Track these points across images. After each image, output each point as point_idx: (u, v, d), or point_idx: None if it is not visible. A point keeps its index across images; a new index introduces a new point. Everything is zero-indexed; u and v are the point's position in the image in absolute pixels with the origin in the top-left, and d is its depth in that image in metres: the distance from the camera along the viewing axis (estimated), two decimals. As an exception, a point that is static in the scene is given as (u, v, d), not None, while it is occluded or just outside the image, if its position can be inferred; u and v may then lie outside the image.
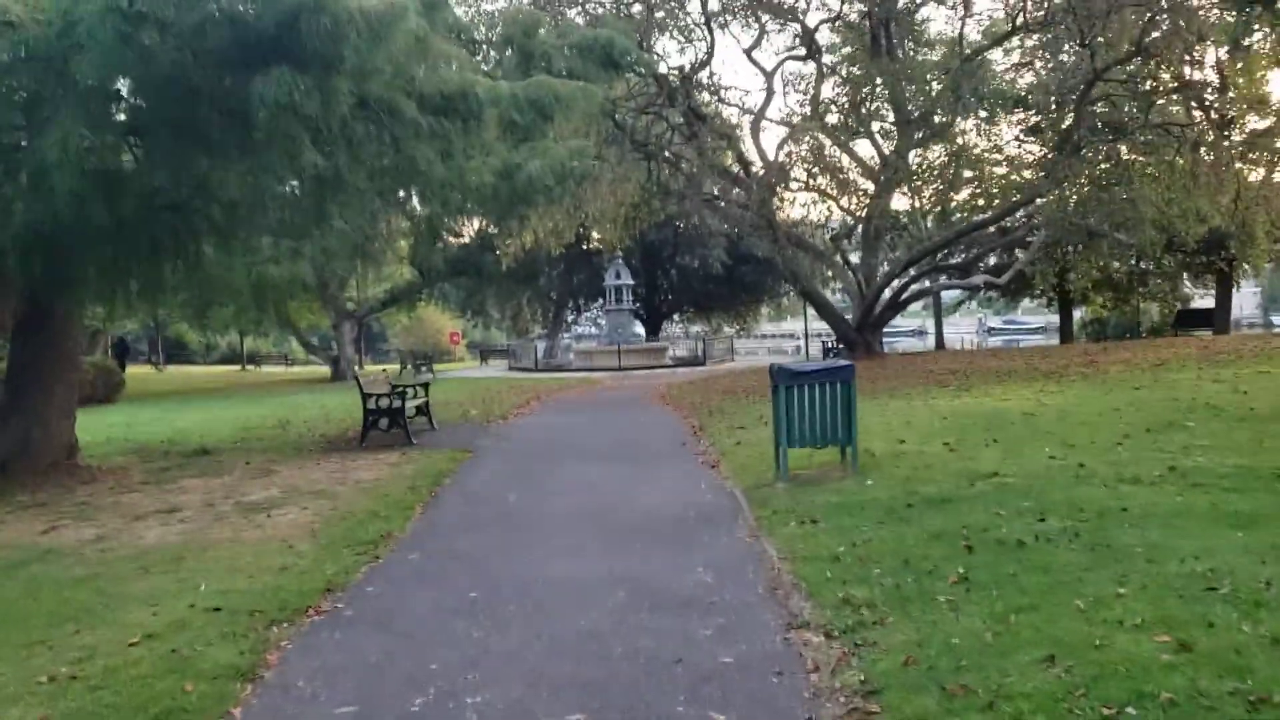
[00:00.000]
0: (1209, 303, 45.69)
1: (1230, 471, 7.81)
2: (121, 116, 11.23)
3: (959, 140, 26.32)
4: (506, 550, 7.62)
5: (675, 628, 5.49)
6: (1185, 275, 37.56)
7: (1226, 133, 25.81)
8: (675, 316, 53.29)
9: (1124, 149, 24.11)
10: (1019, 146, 29.17)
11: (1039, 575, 5.56)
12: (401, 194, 12.91)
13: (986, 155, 27.83)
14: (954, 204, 26.20)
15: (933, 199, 25.35)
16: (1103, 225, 23.08)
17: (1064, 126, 22.63)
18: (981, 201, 26.82)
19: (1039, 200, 24.49)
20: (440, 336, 67.16)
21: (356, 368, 53.49)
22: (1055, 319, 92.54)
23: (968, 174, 26.78)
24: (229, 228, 11.79)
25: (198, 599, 6.60)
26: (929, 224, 25.51)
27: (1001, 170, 28.38)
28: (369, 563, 7.45)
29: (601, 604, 6.06)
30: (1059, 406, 12.63)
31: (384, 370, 16.51)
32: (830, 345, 30.79)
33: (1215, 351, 19.01)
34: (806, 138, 22.75)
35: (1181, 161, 22.36)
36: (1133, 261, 41.03)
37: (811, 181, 23.07)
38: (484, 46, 15.43)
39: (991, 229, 27.30)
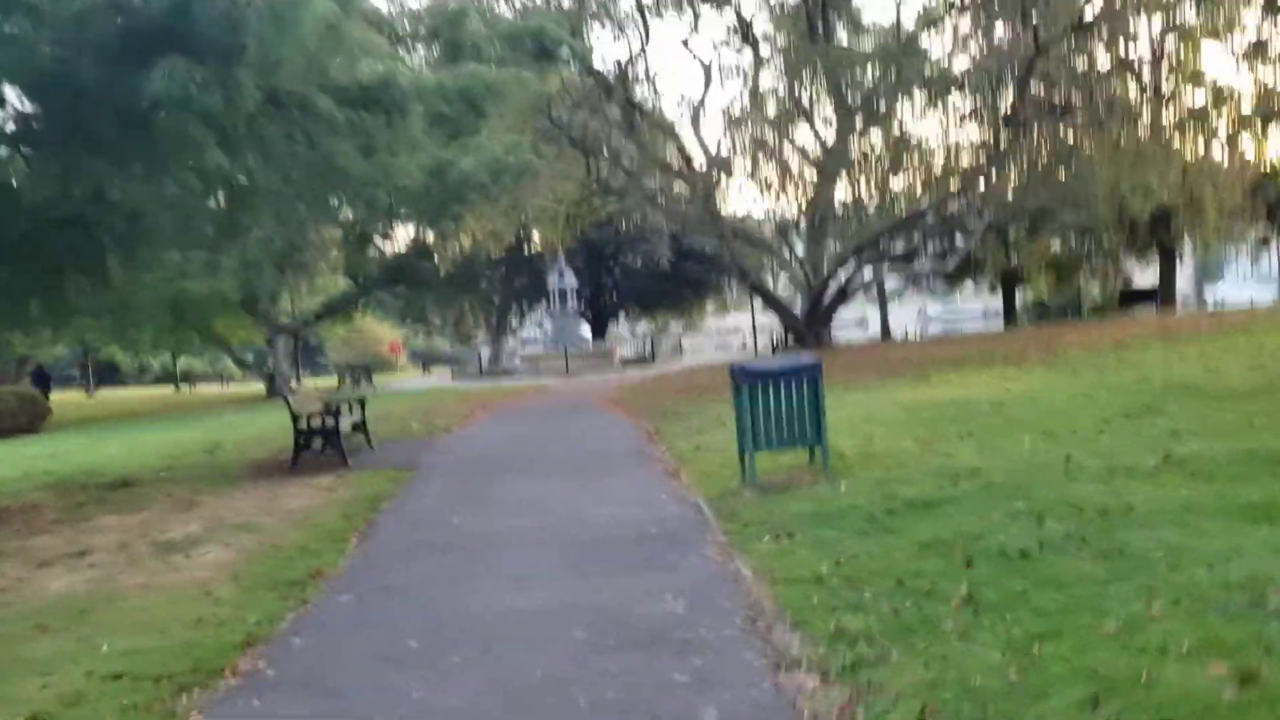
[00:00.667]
0: (1150, 281, 46.24)
1: (1229, 458, 7.29)
2: (10, 125, 10.27)
3: (896, 128, 25.93)
4: (451, 582, 6.84)
5: (646, 671, 4.77)
6: (1128, 254, 37.62)
7: (1165, 109, 25.77)
8: (621, 316, 52.59)
9: (1067, 128, 23.88)
10: (958, 131, 28.99)
11: (1052, 592, 4.93)
12: (326, 198, 11.99)
13: (924, 142, 27.58)
14: (895, 192, 25.79)
15: (875, 186, 24.92)
16: (1052, 204, 22.79)
17: (1008, 107, 22.30)
18: (920, 189, 26.46)
19: (982, 184, 24.18)
20: (380, 347, 65.67)
21: (294, 383, 52.22)
22: (995, 304, 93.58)
23: (908, 161, 26.47)
24: (133, 241, 10.85)
25: (97, 663, 5.74)
26: (871, 213, 25.05)
27: (940, 157, 28.17)
28: (296, 608, 6.62)
29: (560, 643, 5.33)
30: (1026, 393, 12.14)
31: (315, 386, 15.55)
32: (779, 339, 30.29)
33: (1172, 329, 18.79)
34: (747, 127, 22.14)
35: (1123, 137, 22.13)
36: (1073, 243, 41.36)
37: (755, 172, 22.52)
38: (409, 40, 14.58)
39: (931, 217, 26.99)
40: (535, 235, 43.18)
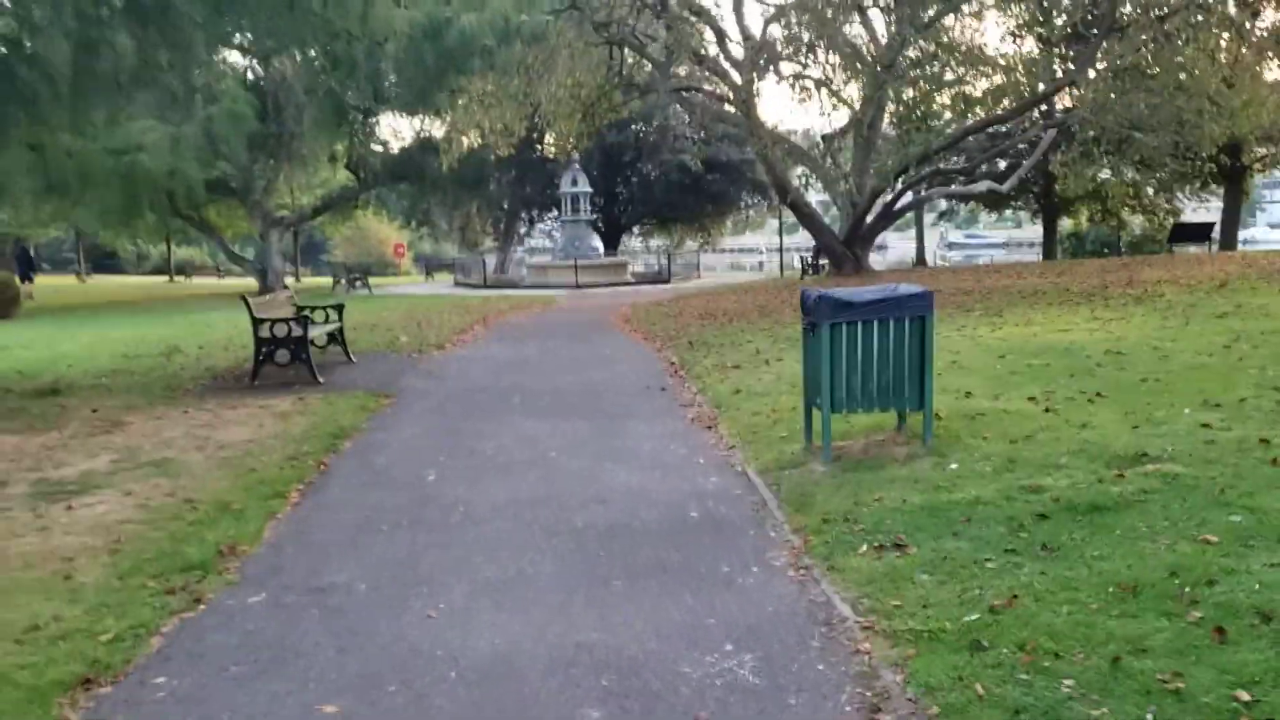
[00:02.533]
0: (1200, 218, 43.43)
1: None
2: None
3: (958, 31, 23.13)
4: (405, 588, 4.76)
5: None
6: (1185, 186, 34.77)
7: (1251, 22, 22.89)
8: (635, 229, 50.00)
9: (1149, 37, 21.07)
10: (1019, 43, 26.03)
11: None
12: (270, 31, 9.56)
13: (978, 53, 24.72)
14: (950, 104, 23.08)
15: (930, 96, 22.21)
16: (1121, 126, 20.22)
17: (1076, 19, 19.49)
18: (981, 102, 23.74)
19: (1062, 99, 21.47)
20: (385, 249, 63.27)
21: (291, 280, 50.02)
22: (1018, 234, 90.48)
23: (961, 72, 23.74)
24: (58, 97, 8.58)
25: None
26: (925, 126, 22.39)
27: (998, 73, 25.35)
28: (180, 613, 4.57)
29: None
30: (1142, 341, 9.90)
31: (287, 286, 13.40)
32: (810, 261, 27.87)
33: (1267, 268, 16.44)
34: (793, 17, 19.29)
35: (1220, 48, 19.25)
36: (1127, 171, 38.51)
37: (806, 66, 19.83)
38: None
39: (989, 133, 24.34)
40: (548, 139, 40.53)
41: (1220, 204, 41.13)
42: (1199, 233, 35.26)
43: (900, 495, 5.44)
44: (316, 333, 12.74)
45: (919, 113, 19.03)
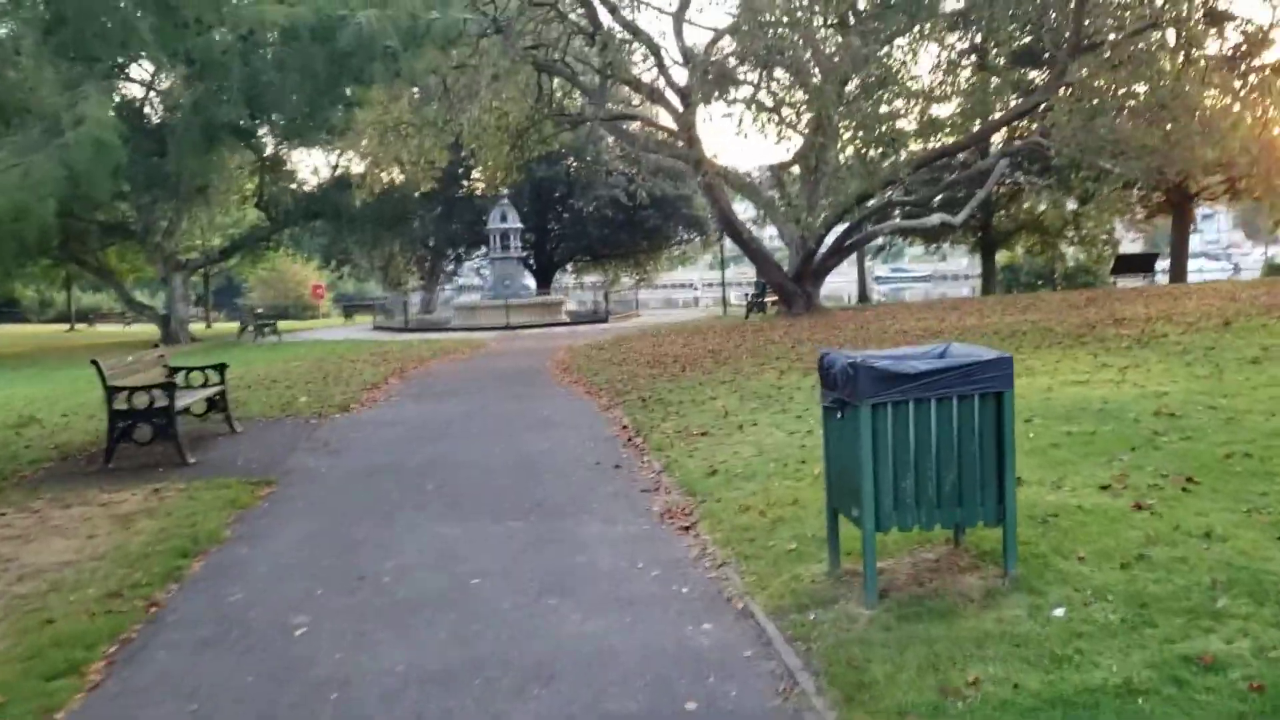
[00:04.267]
0: (1138, 249, 43.02)
1: None
2: None
3: (907, 57, 21.77)
4: None
5: None
6: (1126, 216, 34.05)
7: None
8: (568, 266, 48.19)
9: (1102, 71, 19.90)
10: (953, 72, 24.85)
11: None
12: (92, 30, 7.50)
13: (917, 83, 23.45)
14: (907, 133, 21.68)
15: (884, 127, 20.75)
16: (1084, 152, 19.00)
17: (1062, 35, 18.22)
18: (936, 131, 22.41)
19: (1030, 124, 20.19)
20: (304, 290, 60.47)
21: (201, 325, 47.07)
22: (944, 268, 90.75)
23: (917, 99, 22.38)
24: None
25: None
26: (876, 156, 20.97)
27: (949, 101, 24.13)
28: None
29: None
30: (1190, 399, 8.26)
31: (157, 345, 11.23)
32: (754, 297, 26.22)
33: (1251, 301, 15.18)
34: (750, 27, 17.58)
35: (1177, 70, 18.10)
36: (1066, 201, 37.81)
37: (758, 87, 18.14)
38: None
39: (942, 161, 23.00)
40: (475, 172, 38.60)
41: (1140, 236, 40.85)
42: (1143, 263, 34.60)
43: (1004, 673, 3.59)
44: (191, 400, 10.60)
45: (882, 131, 17.50)
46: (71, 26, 6.33)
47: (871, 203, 18.78)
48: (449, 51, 18.05)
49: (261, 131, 17.79)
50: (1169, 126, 16.59)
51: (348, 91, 9.29)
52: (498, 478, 7.93)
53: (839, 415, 4.50)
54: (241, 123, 10.74)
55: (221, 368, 11.66)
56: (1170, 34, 16.77)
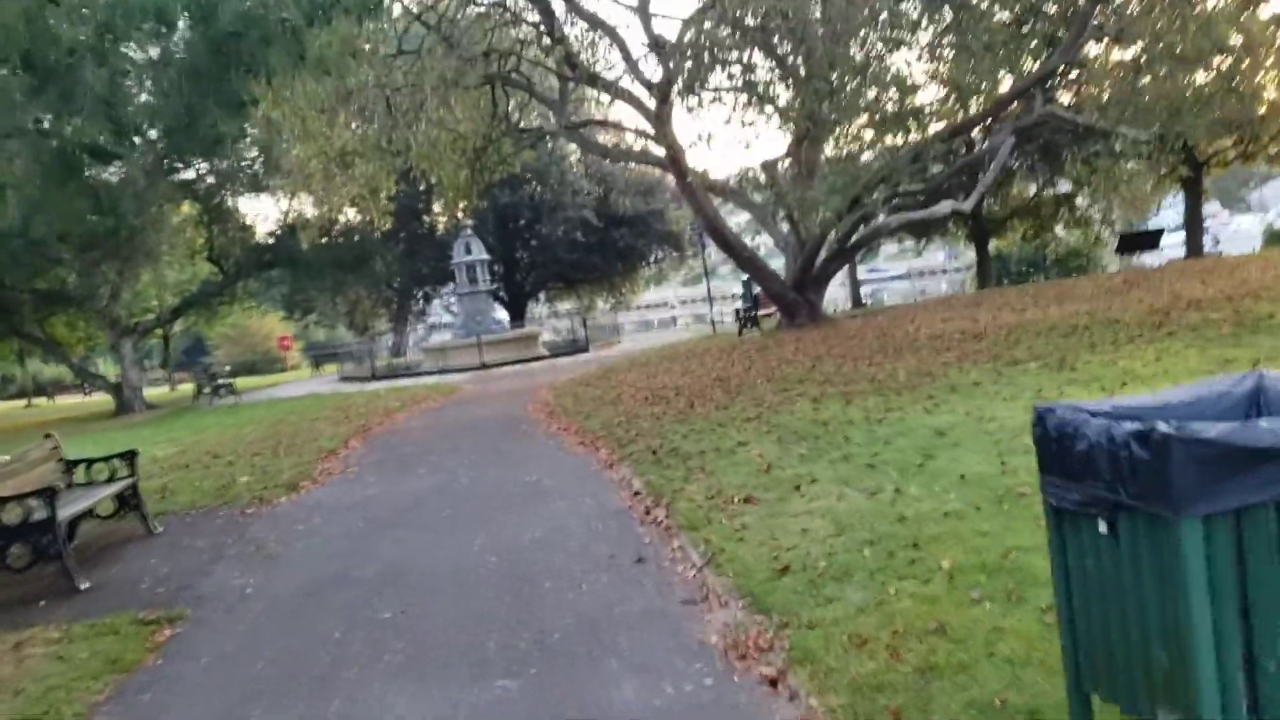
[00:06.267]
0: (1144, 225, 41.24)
1: None
2: None
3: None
4: None
5: None
6: (1129, 189, 32.23)
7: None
8: (540, 295, 46.05)
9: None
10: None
11: None
12: None
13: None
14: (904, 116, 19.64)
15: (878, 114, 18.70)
16: (1104, 119, 17.09)
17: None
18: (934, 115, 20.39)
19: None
20: (270, 344, 58.11)
21: (165, 389, 44.63)
22: (919, 264, 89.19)
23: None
24: None
25: None
26: (877, 146, 18.98)
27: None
28: None
29: None
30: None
31: (49, 436, 8.99)
32: (746, 312, 24.13)
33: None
34: (710, 32, 15.58)
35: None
36: (1052, 181, 35.98)
37: (751, 69, 16.06)
38: None
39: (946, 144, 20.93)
40: (436, 206, 36.56)
41: (1115, 218, 39.12)
42: (1149, 240, 32.84)
43: None
44: (90, 503, 8.38)
45: (887, 114, 15.48)
46: None
47: (872, 196, 16.72)
48: (390, 61, 16.02)
49: (138, 154, 15.17)
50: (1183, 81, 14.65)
51: (244, 89, 7.20)
52: (479, 594, 5.76)
53: (1104, 529, 2.37)
54: (102, 140, 8.57)
55: (131, 456, 9.41)
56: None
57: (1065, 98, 22.58)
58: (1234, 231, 65.84)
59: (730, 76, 15.43)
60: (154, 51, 9.90)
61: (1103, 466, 2.31)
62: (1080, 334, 11.72)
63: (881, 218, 18.97)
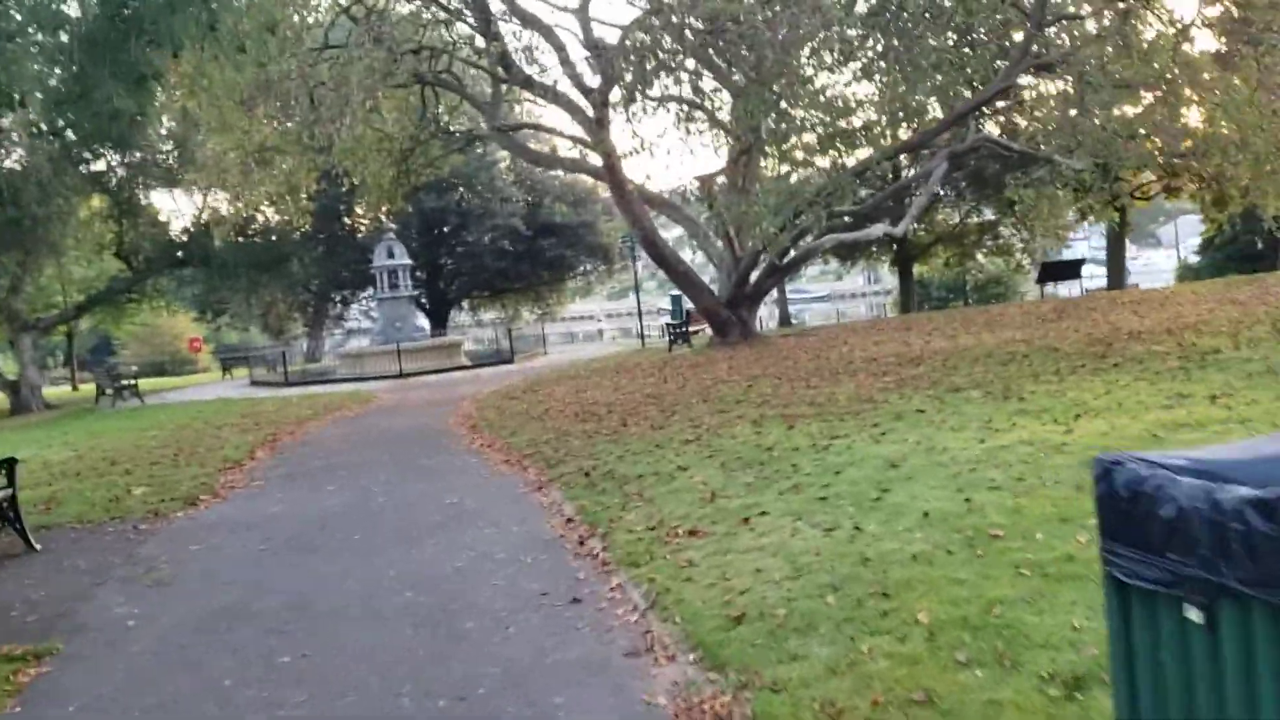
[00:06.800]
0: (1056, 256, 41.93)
1: None
2: None
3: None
4: None
5: None
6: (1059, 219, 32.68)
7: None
8: (464, 303, 45.09)
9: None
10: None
11: None
12: None
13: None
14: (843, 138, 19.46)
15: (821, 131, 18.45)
16: (1043, 147, 17.12)
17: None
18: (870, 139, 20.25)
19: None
20: (181, 345, 55.95)
21: (66, 389, 42.50)
22: (840, 287, 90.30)
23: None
24: None
25: None
26: (816, 164, 18.80)
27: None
28: None
29: None
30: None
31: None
32: (676, 327, 23.71)
33: (1248, 304, 13.35)
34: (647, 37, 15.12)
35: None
36: (977, 211, 36.42)
37: (699, 78, 15.61)
38: None
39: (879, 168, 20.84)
40: (359, 208, 35.45)
41: (1036, 247, 39.88)
42: (1070, 270, 33.36)
43: None
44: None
45: (835, 130, 15.21)
46: None
47: (805, 216, 16.40)
48: (315, 55, 15.26)
49: (44, 139, 13.83)
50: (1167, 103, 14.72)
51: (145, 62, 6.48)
52: (393, 636, 5.12)
53: (1196, 618, 1.90)
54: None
55: (9, 464, 8.54)
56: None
57: (993, 128, 22.72)
58: (1143, 266, 67.61)
59: (677, 81, 15.03)
60: (41, 14, 9.02)
61: (1200, 540, 1.85)
62: (1020, 362, 11.51)
63: (811, 238, 18.71)
